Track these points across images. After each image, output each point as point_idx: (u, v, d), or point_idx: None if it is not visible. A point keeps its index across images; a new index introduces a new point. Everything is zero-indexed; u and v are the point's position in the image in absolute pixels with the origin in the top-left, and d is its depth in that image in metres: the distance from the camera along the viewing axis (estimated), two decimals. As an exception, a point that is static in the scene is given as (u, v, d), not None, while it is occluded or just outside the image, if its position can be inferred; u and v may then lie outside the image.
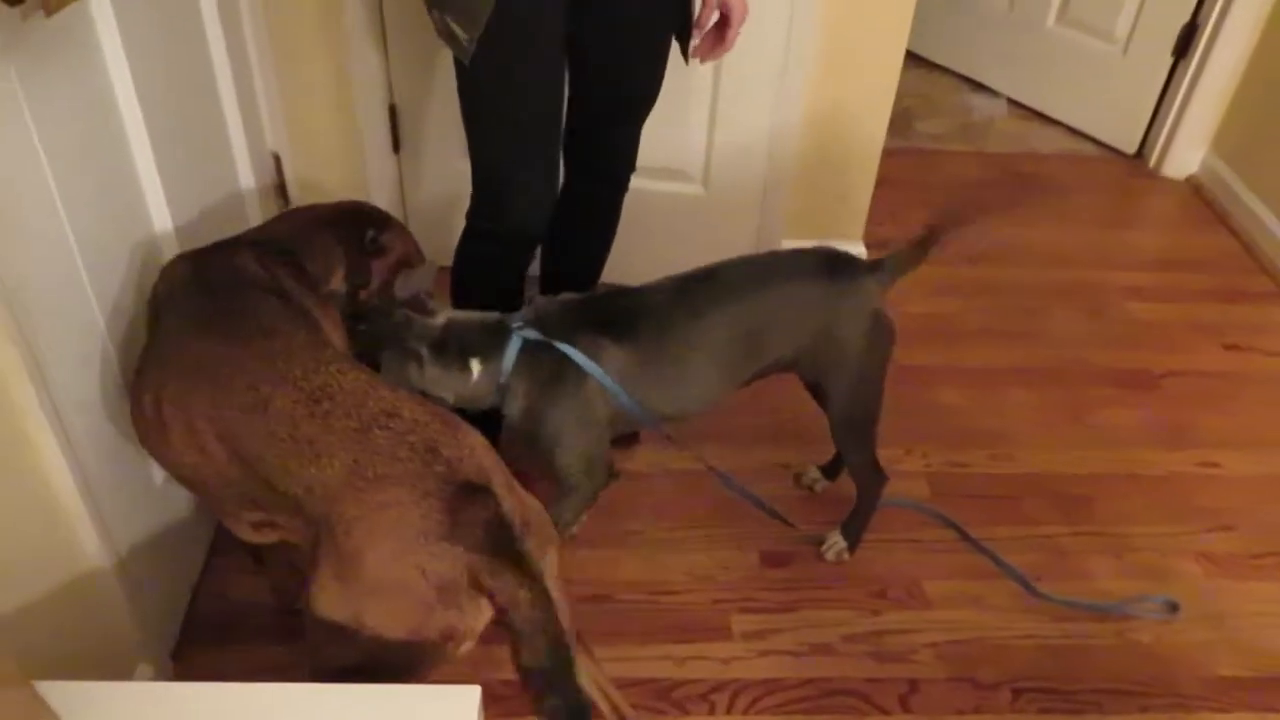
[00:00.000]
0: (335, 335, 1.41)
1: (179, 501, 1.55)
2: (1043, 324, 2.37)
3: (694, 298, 1.47)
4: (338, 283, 1.51)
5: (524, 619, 1.02)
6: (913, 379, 2.14)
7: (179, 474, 1.26)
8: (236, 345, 1.18)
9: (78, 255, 1.22)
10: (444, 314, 1.43)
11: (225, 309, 1.24)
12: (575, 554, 1.72)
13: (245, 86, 1.83)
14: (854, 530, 1.75)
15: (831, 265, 1.51)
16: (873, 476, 1.69)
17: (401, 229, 1.61)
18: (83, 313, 1.25)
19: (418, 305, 1.41)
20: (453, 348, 1.40)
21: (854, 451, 1.66)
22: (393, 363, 1.40)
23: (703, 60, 1.61)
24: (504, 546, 1.03)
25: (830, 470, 1.88)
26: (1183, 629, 1.68)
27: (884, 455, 1.95)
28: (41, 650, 1.23)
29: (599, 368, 1.41)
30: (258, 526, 1.27)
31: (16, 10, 1.00)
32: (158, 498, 1.47)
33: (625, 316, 1.45)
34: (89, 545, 1.26)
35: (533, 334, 1.42)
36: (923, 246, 1.50)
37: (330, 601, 1.05)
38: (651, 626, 1.63)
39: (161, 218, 1.48)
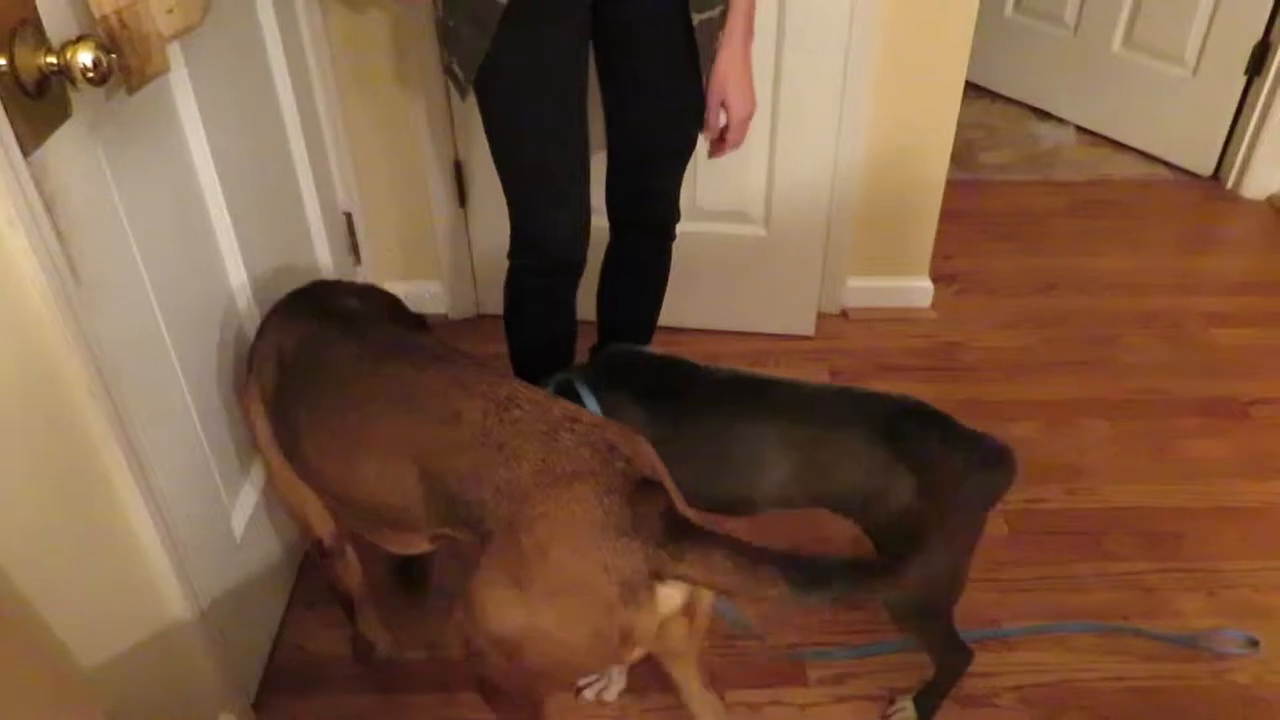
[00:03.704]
0: None
1: (258, 555, 1.59)
2: (1120, 354, 2.31)
3: (740, 401, 1.36)
4: None
5: (729, 573, 1.02)
6: (985, 413, 2.09)
7: (348, 496, 1.27)
8: (421, 370, 1.21)
9: (160, 318, 1.27)
10: None
11: (391, 341, 1.29)
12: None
13: (316, 147, 1.89)
14: (928, 705, 1.50)
15: (904, 424, 1.30)
16: (947, 651, 1.45)
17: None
18: (166, 373, 1.30)
19: None
20: None
21: (917, 628, 1.43)
22: None
23: (719, 156, 1.64)
24: (683, 532, 1.04)
25: None
26: (1284, 669, 1.60)
27: (958, 493, 1.90)
28: (129, 701, 1.27)
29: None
30: (408, 540, 1.31)
31: (101, 90, 1.06)
32: (238, 552, 1.51)
33: (666, 387, 1.40)
34: (173, 599, 1.29)
35: (566, 379, 1.42)
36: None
37: (503, 610, 1.05)
38: (725, 672, 1.61)
39: (239, 279, 1.54)
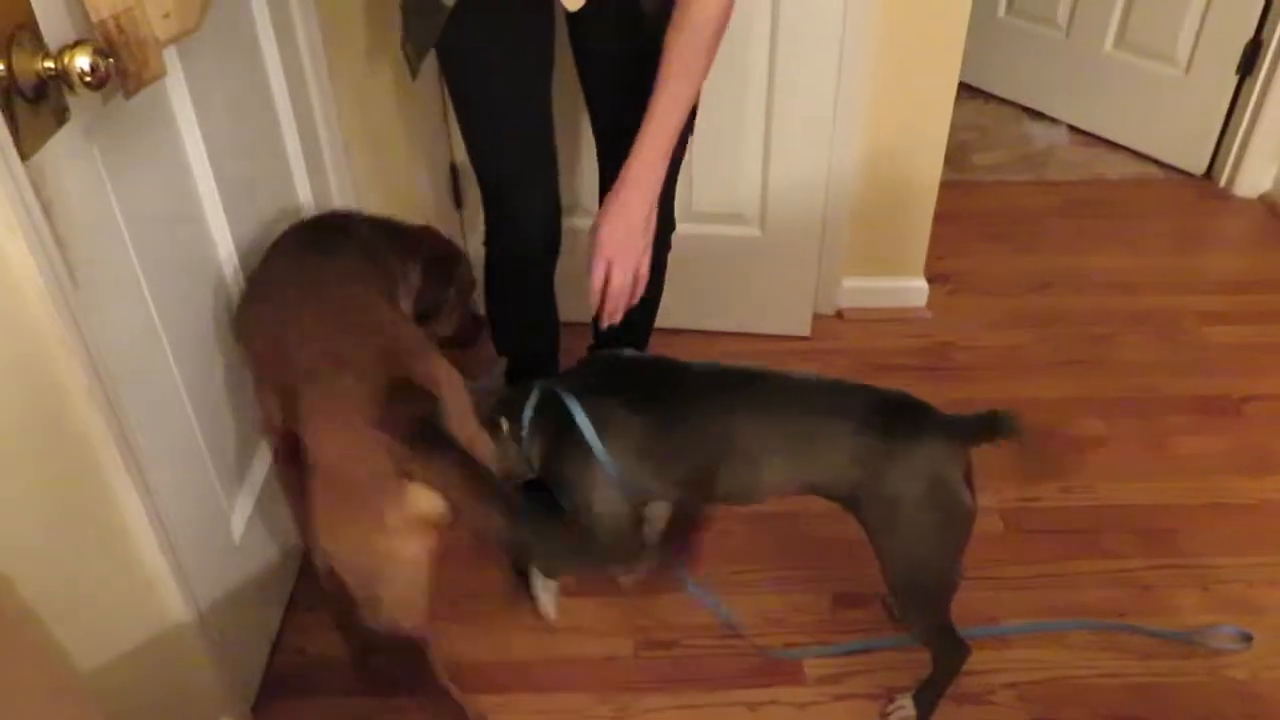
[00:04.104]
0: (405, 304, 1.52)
1: (257, 558, 1.59)
2: (1114, 352, 2.31)
3: (729, 397, 1.36)
4: (407, 305, 1.55)
5: (458, 489, 1.10)
6: (981, 413, 2.11)
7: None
8: (339, 279, 1.33)
9: (157, 321, 1.27)
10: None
11: (324, 241, 1.42)
12: (642, 599, 1.72)
13: (312, 151, 1.89)
14: (926, 702, 1.51)
15: (889, 415, 1.31)
16: (944, 646, 1.45)
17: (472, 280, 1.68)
18: (163, 376, 1.30)
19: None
20: (485, 412, 1.41)
21: (914, 620, 1.45)
22: None
23: (605, 323, 1.46)
24: (432, 440, 1.10)
25: None
26: (1279, 664, 1.61)
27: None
28: (128, 704, 1.27)
29: (591, 426, 1.37)
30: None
31: (98, 94, 1.06)
32: (237, 554, 1.51)
33: (653, 388, 1.40)
34: (172, 602, 1.29)
35: (551, 386, 1.43)
36: (1005, 434, 1.30)
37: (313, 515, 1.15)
38: (723, 671, 1.62)
39: (236, 282, 1.54)
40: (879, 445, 1.29)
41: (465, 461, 1.10)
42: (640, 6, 1.41)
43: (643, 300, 1.87)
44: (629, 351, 1.52)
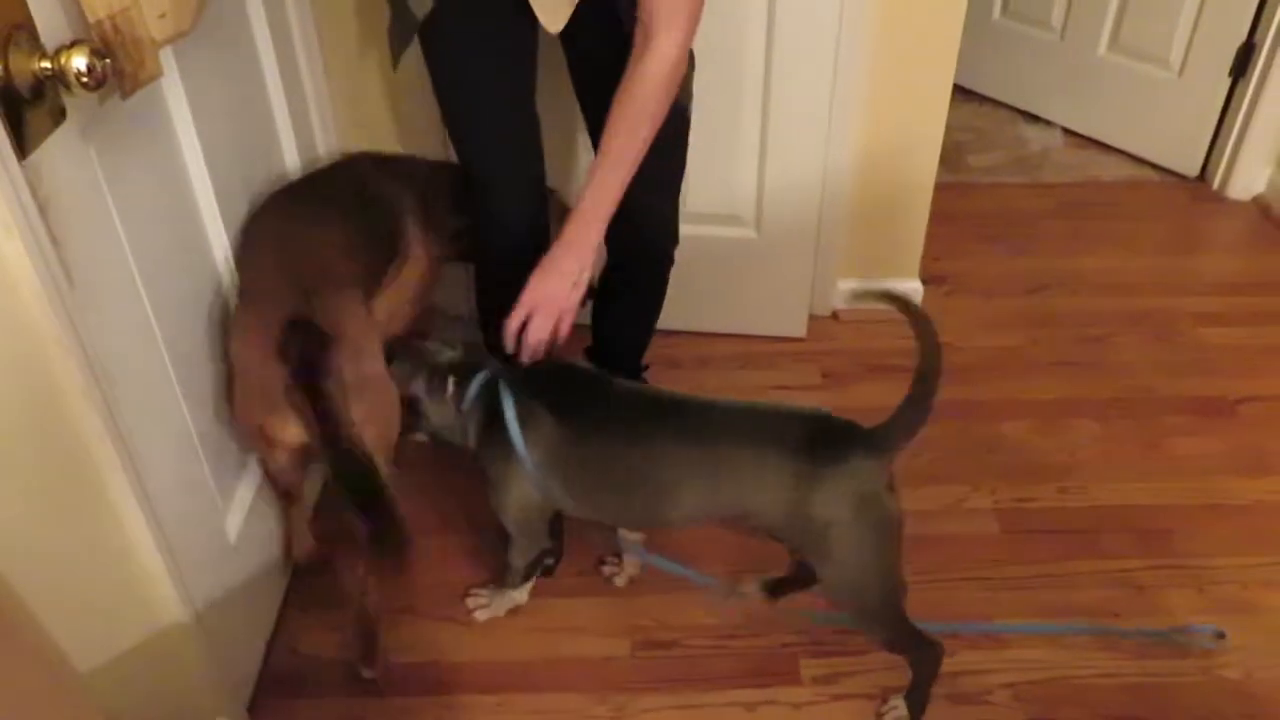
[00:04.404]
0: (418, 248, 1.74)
1: (253, 558, 1.59)
2: (1110, 354, 2.32)
3: (652, 421, 1.37)
4: (423, 234, 1.75)
5: (312, 427, 1.30)
6: (977, 413, 2.11)
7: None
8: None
9: (153, 321, 1.28)
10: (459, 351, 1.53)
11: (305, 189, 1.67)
12: (639, 599, 1.72)
13: (308, 149, 1.90)
14: (916, 701, 1.51)
15: (815, 438, 1.30)
16: (914, 649, 1.46)
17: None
18: (159, 376, 1.30)
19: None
20: (444, 368, 1.49)
21: (876, 633, 1.45)
22: (402, 368, 1.49)
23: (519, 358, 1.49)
24: (310, 379, 1.30)
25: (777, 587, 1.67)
26: (1275, 665, 1.61)
27: (950, 492, 1.92)
28: (123, 704, 1.27)
29: (516, 423, 1.41)
30: None
31: (95, 94, 1.06)
32: (232, 554, 1.51)
33: (579, 399, 1.43)
34: (168, 601, 1.29)
35: (497, 373, 1.47)
36: (923, 402, 1.26)
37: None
38: (719, 672, 1.62)
39: (232, 281, 1.54)
40: (805, 469, 1.29)
41: (328, 411, 1.30)
42: (623, 27, 1.42)
43: (641, 319, 1.88)
44: (575, 362, 1.53)
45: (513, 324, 1.44)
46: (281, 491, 1.63)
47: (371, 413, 1.38)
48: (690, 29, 1.34)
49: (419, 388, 1.50)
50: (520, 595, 1.70)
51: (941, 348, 1.23)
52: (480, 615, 1.70)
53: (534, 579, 1.70)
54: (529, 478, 1.44)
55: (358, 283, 1.48)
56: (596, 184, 1.39)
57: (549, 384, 1.45)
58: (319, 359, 1.31)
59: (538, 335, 1.42)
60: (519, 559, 1.62)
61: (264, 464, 1.57)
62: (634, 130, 1.36)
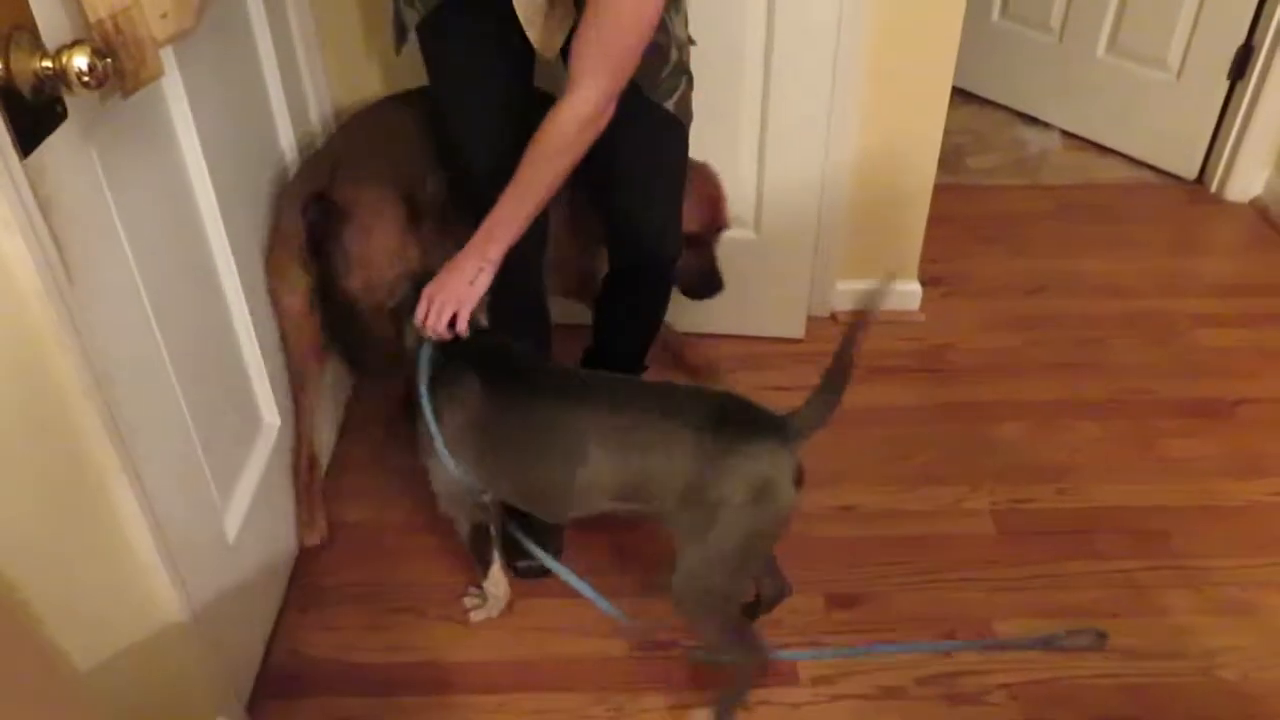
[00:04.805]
0: None
1: (252, 558, 1.59)
2: (1107, 355, 2.33)
3: (564, 393, 1.39)
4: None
5: (317, 289, 1.67)
6: (974, 415, 2.11)
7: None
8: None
9: (153, 320, 1.28)
10: None
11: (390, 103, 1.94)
12: (638, 599, 1.72)
13: (308, 147, 1.90)
14: (727, 710, 1.51)
15: (726, 418, 1.30)
16: (741, 650, 1.45)
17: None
18: (159, 375, 1.30)
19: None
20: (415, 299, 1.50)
21: (706, 627, 1.44)
22: (407, 285, 1.56)
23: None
24: (316, 245, 1.65)
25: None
26: (1271, 665, 1.61)
27: (948, 494, 1.93)
28: (123, 704, 1.27)
29: (430, 407, 1.45)
30: None
31: (96, 94, 1.06)
32: (231, 554, 1.51)
33: (511, 373, 1.45)
34: (167, 601, 1.29)
35: (432, 350, 1.49)
36: (833, 390, 1.26)
37: None
38: (719, 672, 1.62)
39: (231, 280, 1.54)
40: (710, 446, 1.28)
41: (328, 274, 1.64)
42: None
43: (641, 325, 1.89)
44: (512, 342, 1.54)
45: (419, 312, 1.50)
46: (295, 372, 1.78)
47: (367, 284, 1.66)
48: (611, 83, 1.36)
49: (405, 304, 1.53)
50: (499, 589, 1.68)
51: (857, 345, 1.23)
52: (475, 616, 1.70)
53: (498, 568, 1.67)
54: (444, 456, 1.46)
55: (393, 185, 1.72)
56: (504, 204, 1.43)
57: (489, 352, 1.48)
58: (327, 229, 1.62)
59: (434, 322, 1.48)
60: (464, 539, 1.62)
61: (282, 331, 1.74)
62: (541, 165, 1.40)
